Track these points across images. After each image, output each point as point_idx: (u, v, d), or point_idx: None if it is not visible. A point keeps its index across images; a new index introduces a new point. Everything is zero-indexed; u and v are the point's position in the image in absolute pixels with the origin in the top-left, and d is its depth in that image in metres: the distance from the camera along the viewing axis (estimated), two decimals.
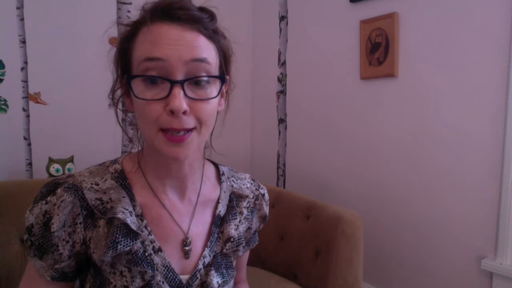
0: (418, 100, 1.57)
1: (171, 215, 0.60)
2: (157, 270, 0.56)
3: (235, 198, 0.68)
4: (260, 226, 0.74)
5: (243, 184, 0.71)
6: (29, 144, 1.60)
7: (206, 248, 0.62)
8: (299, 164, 2.13)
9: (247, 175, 0.75)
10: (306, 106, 2.06)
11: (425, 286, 1.58)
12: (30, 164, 1.61)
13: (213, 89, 0.54)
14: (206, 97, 0.52)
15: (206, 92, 0.52)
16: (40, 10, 1.58)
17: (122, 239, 0.53)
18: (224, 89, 0.61)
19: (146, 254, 0.56)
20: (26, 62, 1.56)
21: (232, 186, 0.69)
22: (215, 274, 0.61)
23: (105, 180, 0.58)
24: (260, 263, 1.53)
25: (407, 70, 1.60)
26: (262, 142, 2.36)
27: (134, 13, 0.56)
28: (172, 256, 0.58)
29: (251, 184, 0.73)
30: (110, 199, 0.55)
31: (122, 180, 0.58)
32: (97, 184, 0.57)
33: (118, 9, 1.79)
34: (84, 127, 1.72)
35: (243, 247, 0.68)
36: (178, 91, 0.49)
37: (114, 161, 0.62)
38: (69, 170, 1.60)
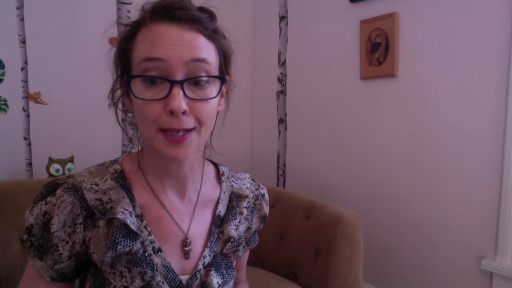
0: (418, 100, 1.57)
1: (171, 215, 0.60)
2: (157, 270, 0.56)
3: (235, 198, 0.68)
4: (260, 226, 0.74)
5: (243, 184, 0.71)
6: (29, 144, 1.60)
7: (206, 248, 0.62)
8: (299, 164, 2.13)
9: (247, 175, 0.74)
10: (306, 106, 2.06)
11: (425, 286, 1.57)
12: (30, 164, 1.61)
13: (213, 89, 0.53)
14: (205, 97, 0.52)
15: (205, 92, 0.52)
16: (40, 10, 1.58)
17: (122, 239, 0.53)
18: (224, 89, 0.61)
19: (146, 254, 0.56)
20: (26, 62, 1.57)
21: (232, 186, 0.69)
22: (215, 274, 0.61)
23: (105, 181, 0.58)
24: (260, 263, 1.52)
25: (407, 70, 1.59)
26: (262, 142, 2.36)
27: (134, 13, 0.55)
28: (172, 257, 0.58)
29: (251, 184, 0.73)
30: (110, 199, 0.55)
31: (122, 181, 0.58)
32: (97, 185, 0.57)
33: (118, 9, 1.79)
34: (84, 127, 1.72)
35: (243, 247, 0.68)
36: (177, 91, 0.49)
37: (114, 162, 0.62)
38: (69, 170, 1.60)
